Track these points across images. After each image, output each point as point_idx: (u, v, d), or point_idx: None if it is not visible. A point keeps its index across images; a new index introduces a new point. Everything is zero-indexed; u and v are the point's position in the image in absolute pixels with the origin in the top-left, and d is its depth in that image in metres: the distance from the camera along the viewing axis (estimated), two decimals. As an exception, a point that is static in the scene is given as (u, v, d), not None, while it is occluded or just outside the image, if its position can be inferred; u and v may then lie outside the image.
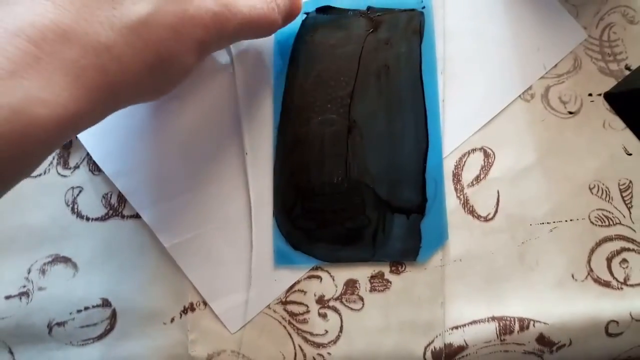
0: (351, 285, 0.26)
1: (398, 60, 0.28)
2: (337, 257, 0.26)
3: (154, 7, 0.19)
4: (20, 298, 0.27)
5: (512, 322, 0.25)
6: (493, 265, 0.26)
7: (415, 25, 0.28)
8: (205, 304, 0.26)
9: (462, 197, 0.27)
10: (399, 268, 0.26)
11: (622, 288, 0.26)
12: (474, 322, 0.26)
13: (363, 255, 0.26)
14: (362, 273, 0.26)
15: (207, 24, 0.21)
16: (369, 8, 0.29)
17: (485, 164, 0.27)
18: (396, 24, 0.28)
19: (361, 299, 0.26)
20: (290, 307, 0.26)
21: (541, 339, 0.25)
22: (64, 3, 0.18)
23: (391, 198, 0.26)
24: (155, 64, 0.20)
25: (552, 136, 0.27)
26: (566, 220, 0.27)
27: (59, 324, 0.27)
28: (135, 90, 0.20)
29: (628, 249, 0.26)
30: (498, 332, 0.25)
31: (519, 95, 0.28)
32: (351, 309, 0.26)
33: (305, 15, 0.29)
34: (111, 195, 0.28)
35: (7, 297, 0.27)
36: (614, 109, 0.28)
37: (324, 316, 0.26)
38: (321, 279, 0.27)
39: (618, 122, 0.28)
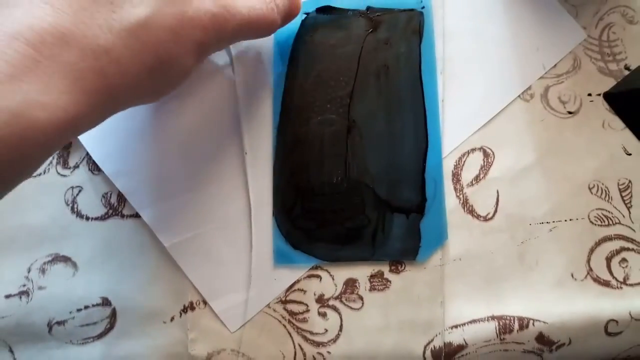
0: (351, 284, 0.26)
1: (397, 60, 0.28)
2: (336, 257, 0.26)
3: (152, 9, 0.19)
4: (20, 297, 0.27)
5: (512, 321, 0.26)
6: (492, 264, 0.26)
7: (414, 25, 0.28)
8: (205, 303, 0.27)
9: (461, 196, 0.27)
10: (399, 267, 0.26)
11: (621, 287, 0.26)
12: (474, 321, 0.26)
13: (363, 255, 0.26)
14: (361, 272, 0.27)
15: (206, 26, 0.21)
16: (368, 8, 0.29)
17: (485, 163, 0.27)
18: (396, 24, 0.28)
19: (361, 298, 0.26)
20: (290, 306, 0.26)
21: (541, 338, 0.25)
22: (63, 6, 0.18)
23: (391, 198, 0.26)
24: (154, 66, 0.20)
25: (551, 136, 0.27)
26: (566, 220, 0.27)
27: (59, 323, 0.27)
28: (134, 92, 0.20)
29: (627, 249, 0.26)
30: (498, 331, 0.25)
31: (519, 95, 0.28)
32: (351, 308, 0.26)
33: (305, 15, 0.29)
34: (111, 194, 0.28)
35: (7, 296, 0.27)
36: (613, 109, 0.28)
37: (323, 315, 0.26)
38: (321, 278, 0.27)
39: (617, 122, 0.28)
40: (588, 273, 0.26)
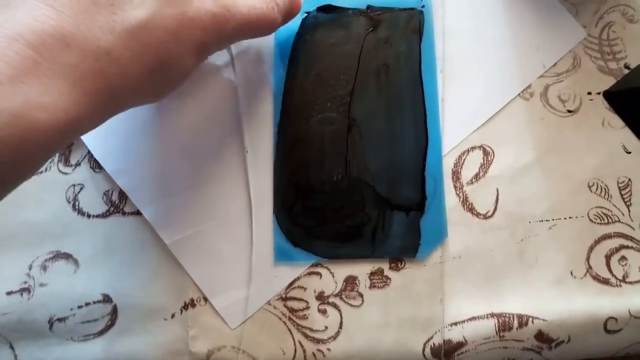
0: (351, 281, 0.27)
1: (398, 59, 0.28)
2: (336, 254, 0.27)
3: (153, 11, 0.19)
4: (22, 294, 0.27)
5: (511, 319, 0.26)
6: (492, 262, 0.26)
7: (414, 24, 0.28)
8: (205, 300, 0.27)
9: (461, 194, 0.27)
10: (399, 265, 0.27)
11: (620, 285, 0.26)
12: (473, 318, 0.26)
13: (362, 252, 0.26)
14: (361, 270, 0.27)
15: (206, 26, 0.21)
16: (368, 7, 0.29)
17: (485, 162, 0.27)
18: (396, 22, 0.28)
19: (361, 295, 0.26)
20: (290, 303, 0.26)
21: (540, 336, 0.25)
22: (64, 8, 0.18)
23: (391, 196, 0.27)
24: (155, 67, 0.20)
25: (551, 134, 0.28)
26: (565, 218, 0.27)
27: (60, 320, 0.27)
28: (135, 93, 0.20)
29: (627, 247, 0.26)
30: (497, 329, 0.26)
31: (518, 94, 0.28)
32: (351, 305, 0.26)
33: (305, 14, 0.29)
34: (112, 192, 0.28)
35: (9, 293, 0.27)
36: (613, 108, 0.28)
37: (323, 312, 0.26)
38: (321, 276, 0.27)
39: (617, 121, 0.28)
40: (587, 271, 0.26)
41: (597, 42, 0.28)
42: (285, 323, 0.26)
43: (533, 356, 0.26)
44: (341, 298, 0.26)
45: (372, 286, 0.26)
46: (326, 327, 0.26)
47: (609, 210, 0.27)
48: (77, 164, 0.28)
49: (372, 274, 0.27)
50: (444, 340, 0.26)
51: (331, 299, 0.26)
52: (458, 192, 0.27)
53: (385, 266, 0.27)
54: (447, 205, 0.27)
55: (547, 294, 0.26)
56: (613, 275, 0.26)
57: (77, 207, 0.28)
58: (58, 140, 0.18)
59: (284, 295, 0.27)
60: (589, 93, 0.28)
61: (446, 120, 0.28)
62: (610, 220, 0.27)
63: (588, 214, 0.27)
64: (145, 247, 0.27)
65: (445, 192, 0.27)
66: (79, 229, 0.28)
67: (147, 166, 0.28)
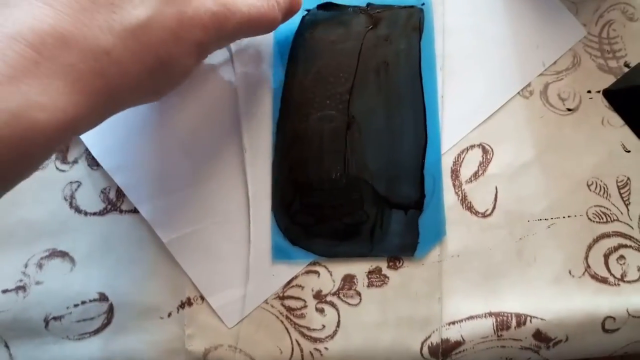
0: (349, 280, 0.26)
1: (397, 57, 0.28)
2: (334, 253, 0.26)
3: (153, 10, 0.19)
4: (17, 292, 0.27)
5: (509, 318, 0.26)
6: (491, 261, 0.26)
7: (414, 22, 0.28)
8: (202, 298, 0.26)
9: (460, 193, 0.27)
10: (397, 263, 0.26)
11: (619, 284, 0.26)
12: (471, 317, 0.26)
13: (361, 251, 0.26)
14: (359, 268, 0.26)
15: (206, 25, 0.21)
16: (368, 5, 0.29)
17: (484, 160, 0.27)
18: (396, 20, 0.28)
19: (358, 294, 0.26)
20: (288, 302, 0.26)
21: (538, 335, 0.25)
22: (63, 7, 0.18)
23: (389, 194, 0.26)
24: (154, 66, 0.20)
25: (550, 133, 0.27)
26: (564, 217, 0.27)
27: (55, 318, 0.27)
28: (134, 92, 0.20)
29: (625, 246, 0.26)
30: (495, 328, 0.25)
31: (518, 92, 0.28)
32: (348, 304, 0.26)
33: (305, 12, 0.29)
34: (109, 190, 0.28)
35: (4, 291, 0.27)
36: (612, 106, 0.28)
37: (321, 311, 0.26)
38: (319, 274, 0.27)
39: (617, 119, 0.28)
40: (586, 270, 0.26)
41: (597, 40, 0.28)
42: (282, 322, 0.26)
43: (531, 355, 0.26)
44: (339, 297, 0.26)
45: (370, 285, 0.26)
46: (324, 326, 0.26)
47: (607, 209, 0.27)
48: (75, 162, 0.28)
49: (370, 272, 0.26)
50: (441, 339, 0.26)
51: (329, 298, 0.26)
52: (457, 190, 0.27)
53: (383, 265, 0.26)
54: (445, 203, 0.27)
55: (545, 293, 0.26)
56: (611, 274, 0.26)
57: (74, 204, 0.28)
58: (57, 140, 0.18)
59: (281, 294, 0.26)
60: (589, 91, 0.28)
61: (445, 118, 0.28)
62: (609, 219, 0.27)
63: (587, 212, 0.27)
64: (142, 245, 0.27)
65: (444, 190, 0.27)
66: (76, 226, 0.27)
67: (145, 164, 0.27)
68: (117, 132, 0.28)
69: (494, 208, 0.27)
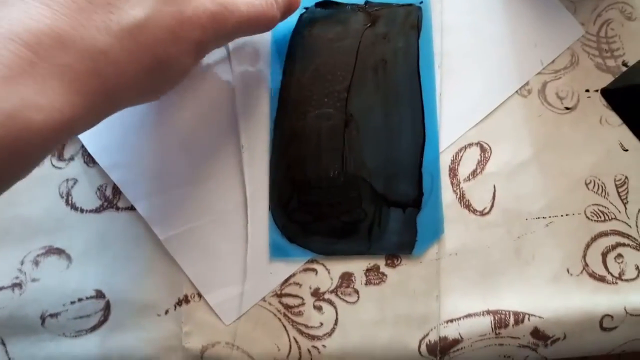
0: (346, 278, 0.26)
1: (395, 55, 0.28)
2: (332, 250, 0.26)
3: (151, 10, 0.19)
4: (13, 289, 0.27)
5: (507, 316, 0.26)
6: (489, 259, 0.26)
7: (412, 20, 0.28)
8: (199, 296, 0.26)
9: (458, 191, 0.27)
10: (395, 261, 0.26)
11: (617, 283, 0.26)
12: (469, 315, 0.26)
13: (359, 249, 0.26)
14: (357, 266, 0.26)
15: (205, 24, 0.21)
16: (367, 2, 0.29)
17: (482, 158, 0.27)
18: (394, 18, 0.28)
19: (356, 292, 0.26)
20: (286, 300, 0.26)
21: (536, 333, 0.25)
22: (60, 7, 0.18)
23: (387, 192, 0.26)
24: (152, 66, 0.20)
25: (548, 131, 0.27)
26: (562, 215, 0.27)
27: (52, 316, 0.26)
28: (132, 93, 0.20)
29: (623, 244, 0.26)
30: (493, 326, 0.25)
31: (516, 91, 0.28)
32: (346, 301, 0.26)
33: (303, 10, 0.29)
34: (106, 187, 0.28)
35: (0, 289, 0.27)
36: (610, 105, 0.28)
37: (319, 309, 0.26)
38: (317, 272, 0.26)
39: (614, 118, 0.28)
40: (584, 268, 0.26)
41: (595, 39, 0.28)
42: (280, 319, 0.26)
43: (529, 353, 0.26)
44: (337, 294, 0.26)
45: (368, 283, 0.26)
46: (321, 324, 0.26)
47: (605, 207, 0.27)
48: (71, 159, 0.28)
49: (368, 270, 0.26)
50: (439, 337, 0.26)
51: (327, 296, 0.26)
52: (455, 188, 0.27)
53: (381, 263, 0.26)
54: (443, 201, 0.27)
55: (543, 291, 0.26)
56: (609, 272, 0.26)
57: (70, 201, 0.28)
58: (53, 141, 0.17)
59: (279, 292, 0.26)
60: (587, 90, 0.28)
61: (444, 116, 0.28)
62: (606, 218, 0.27)
63: (585, 211, 0.27)
64: (138, 242, 0.27)
65: (442, 188, 0.27)
66: (72, 224, 0.27)
67: (142, 161, 0.27)
68: (114, 129, 0.28)
69: (492, 206, 0.27)
